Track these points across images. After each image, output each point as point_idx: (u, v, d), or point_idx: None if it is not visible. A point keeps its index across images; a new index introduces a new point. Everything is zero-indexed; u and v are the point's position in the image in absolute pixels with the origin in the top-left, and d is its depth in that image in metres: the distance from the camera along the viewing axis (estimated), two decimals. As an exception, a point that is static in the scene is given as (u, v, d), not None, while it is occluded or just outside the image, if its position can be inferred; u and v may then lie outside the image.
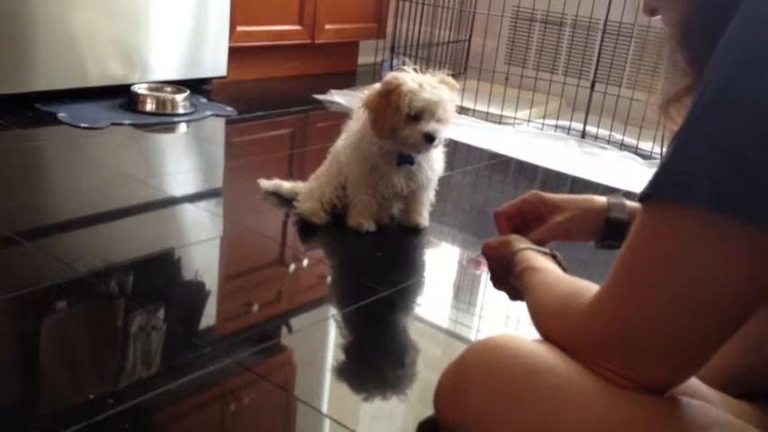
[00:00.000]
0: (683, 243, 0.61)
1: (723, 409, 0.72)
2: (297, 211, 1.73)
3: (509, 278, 0.99)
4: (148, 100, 2.46)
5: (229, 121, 2.52)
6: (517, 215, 1.09)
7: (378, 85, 1.62)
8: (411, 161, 1.66)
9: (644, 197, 0.63)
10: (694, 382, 0.75)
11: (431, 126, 1.57)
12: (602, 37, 2.83)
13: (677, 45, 0.71)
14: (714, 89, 0.59)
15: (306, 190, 1.75)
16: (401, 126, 1.57)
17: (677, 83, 0.72)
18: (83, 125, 2.22)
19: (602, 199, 1.04)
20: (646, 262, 0.64)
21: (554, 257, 0.96)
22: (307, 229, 1.70)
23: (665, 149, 0.64)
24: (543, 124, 2.84)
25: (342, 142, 1.76)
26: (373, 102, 1.60)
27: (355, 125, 1.72)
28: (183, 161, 2.20)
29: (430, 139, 1.57)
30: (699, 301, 0.61)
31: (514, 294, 1.04)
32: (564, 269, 0.93)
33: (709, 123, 0.59)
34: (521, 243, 0.98)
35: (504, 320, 1.39)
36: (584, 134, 2.76)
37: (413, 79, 1.58)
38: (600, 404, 0.66)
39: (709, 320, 0.61)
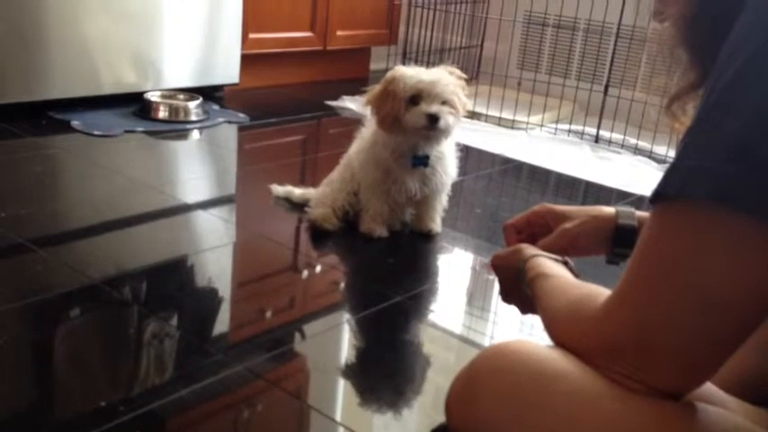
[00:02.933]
0: (695, 242, 0.60)
1: (741, 416, 0.71)
2: (309, 217, 1.72)
3: (519, 290, 0.98)
4: (161, 107, 2.47)
5: (242, 128, 2.53)
6: (526, 227, 1.08)
7: (376, 85, 1.63)
8: (425, 162, 1.65)
9: (654, 197, 0.63)
10: (711, 388, 0.74)
11: (433, 107, 1.56)
12: (616, 41, 2.82)
13: (680, 42, 0.70)
14: (723, 85, 0.58)
15: (318, 196, 1.75)
16: (402, 112, 1.56)
17: (679, 81, 0.71)
18: (96, 133, 2.23)
19: (610, 208, 1.03)
20: (657, 263, 0.63)
21: (565, 264, 0.95)
22: (319, 236, 1.70)
23: (674, 131, 0.63)
24: (556, 129, 2.83)
25: (355, 148, 1.76)
26: (374, 97, 1.61)
27: (368, 131, 1.72)
28: (195, 168, 2.20)
29: (434, 119, 1.55)
30: (712, 302, 0.60)
31: (525, 308, 1.03)
32: (576, 276, 0.92)
33: (718, 119, 0.58)
34: (531, 250, 0.97)
35: (517, 326, 1.38)
36: (597, 139, 2.74)
37: (410, 69, 1.60)
38: (614, 410, 0.65)
39: (724, 322, 0.60)
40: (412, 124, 1.56)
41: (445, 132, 1.61)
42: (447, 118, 1.57)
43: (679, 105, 0.71)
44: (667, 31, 0.71)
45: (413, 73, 1.58)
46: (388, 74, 1.62)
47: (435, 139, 1.63)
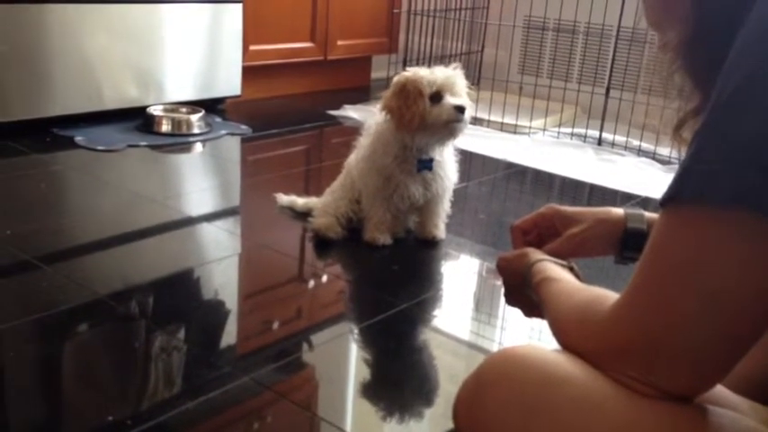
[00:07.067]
0: (706, 245, 0.59)
1: (751, 417, 0.70)
2: (312, 226, 1.72)
3: (524, 293, 0.98)
4: (164, 121, 2.48)
5: (244, 140, 2.53)
6: (533, 229, 1.08)
7: (389, 90, 1.64)
8: (430, 165, 1.66)
9: (665, 201, 0.62)
10: (720, 389, 0.73)
11: (458, 99, 1.60)
12: (616, 43, 2.82)
13: (682, 67, 0.70)
14: (733, 87, 0.58)
15: (321, 205, 1.75)
16: (428, 110, 1.58)
17: (684, 106, 0.71)
18: (100, 148, 2.24)
19: (619, 210, 1.01)
20: (667, 266, 0.62)
21: (571, 269, 0.94)
22: (323, 245, 1.70)
23: (682, 154, 0.62)
24: (559, 132, 2.82)
25: (354, 157, 1.76)
26: (392, 101, 1.61)
27: (366, 140, 1.72)
28: (199, 180, 2.20)
29: (461, 109, 1.58)
30: (725, 304, 0.59)
31: (529, 311, 1.03)
32: (581, 281, 0.91)
33: (728, 121, 0.58)
34: (537, 255, 0.97)
35: (526, 331, 1.38)
36: (600, 141, 2.74)
37: (421, 69, 1.64)
38: (622, 414, 0.65)
39: (736, 323, 0.60)
40: (444, 119, 1.59)
41: (466, 125, 1.64)
42: (468, 110, 1.61)
43: (687, 129, 0.71)
44: (668, 57, 0.71)
45: (427, 72, 1.61)
46: (399, 77, 1.63)
47: (457, 134, 1.65)
